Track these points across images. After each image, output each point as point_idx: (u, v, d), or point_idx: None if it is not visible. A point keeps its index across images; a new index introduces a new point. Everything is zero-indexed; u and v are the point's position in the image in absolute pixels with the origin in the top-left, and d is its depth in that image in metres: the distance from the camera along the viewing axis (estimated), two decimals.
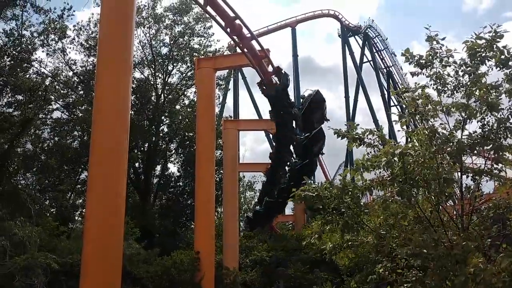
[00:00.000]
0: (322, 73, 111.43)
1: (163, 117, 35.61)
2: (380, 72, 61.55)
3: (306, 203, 6.91)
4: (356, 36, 63.07)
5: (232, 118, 41.16)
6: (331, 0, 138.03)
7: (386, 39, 61.75)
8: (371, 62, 62.13)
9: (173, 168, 38.34)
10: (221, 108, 47.15)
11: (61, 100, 32.20)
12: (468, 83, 6.43)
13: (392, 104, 60.52)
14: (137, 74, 34.68)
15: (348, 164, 51.32)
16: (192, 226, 29.38)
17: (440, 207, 6.72)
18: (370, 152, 6.74)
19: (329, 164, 57.51)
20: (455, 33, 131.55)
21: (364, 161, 6.57)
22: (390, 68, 61.70)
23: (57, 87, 31.76)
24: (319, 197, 6.58)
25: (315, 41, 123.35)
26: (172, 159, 37.73)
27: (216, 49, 36.08)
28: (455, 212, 6.99)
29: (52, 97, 30.31)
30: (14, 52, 26.72)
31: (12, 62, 26.26)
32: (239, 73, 51.91)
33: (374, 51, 61.85)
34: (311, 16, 59.54)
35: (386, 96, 60.19)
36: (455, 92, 6.58)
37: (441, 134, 6.48)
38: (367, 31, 61.42)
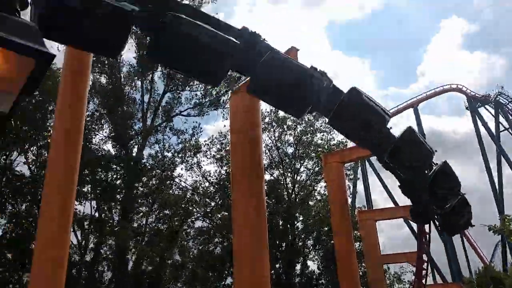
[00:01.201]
0: (453, 146, 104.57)
1: (296, 214, 35.93)
2: None
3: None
4: (487, 106, 59.22)
5: (366, 208, 39.92)
6: (451, 68, 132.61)
7: None
8: (510, 130, 57.11)
9: (313, 266, 37.59)
10: (353, 198, 46.24)
11: (201, 209, 34.50)
12: None
13: None
14: (267, 176, 36.09)
15: (506, 245, 45.82)
16: None
17: None
18: None
19: (479, 241, 51.15)
20: None
21: None
22: None
23: (196, 198, 34.26)
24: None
25: (440, 114, 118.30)
26: (311, 256, 37.16)
27: (338, 141, 36.42)
28: None
29: (194, 209, 32.69)
30: (159, 171, 29.95)
31: (157, 181, 29.35)
32: (366, 161, 51.20)
33: (511, 118, 57.07)
34: (432, 94, 57.93)
35: None
36: None
37: None
38: (497, 98, 57.52)
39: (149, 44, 6.03)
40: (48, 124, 26.28)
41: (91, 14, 4.62)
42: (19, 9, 2.52)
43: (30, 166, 27.52)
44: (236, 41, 6.10)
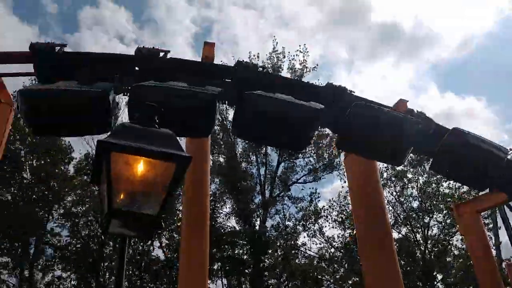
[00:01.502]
0: None
1: (434, 273, 33.16)
2: None
3: None
4: None
5: None
6: None
7: None
8: None
9: None
10: (497, 250, 41.60)
11: (330, 277, 33.42)
12: None
13: None
14: (395, 234, 34.17)
15: None
16: None
17: None
18: None
19: None
20: None
21: None
22: None
23: (324, 265, 33.40)
24: None
25: None
26: None
27: (469, 188, 33.63)
28: None
29: (323, 277, 31.84)
30: (282, 241, 30.04)
31: (283, 252, 29.36)
32: (504, 206, 46.28)
33: None
34: None
35: None
36: None
37: None
38: None
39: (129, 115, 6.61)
40: (176, 208, 28.13)
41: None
42: (157, 120, 2.88)
43: (164, 249, 29.35)
44: (203, 90, 6.56)
